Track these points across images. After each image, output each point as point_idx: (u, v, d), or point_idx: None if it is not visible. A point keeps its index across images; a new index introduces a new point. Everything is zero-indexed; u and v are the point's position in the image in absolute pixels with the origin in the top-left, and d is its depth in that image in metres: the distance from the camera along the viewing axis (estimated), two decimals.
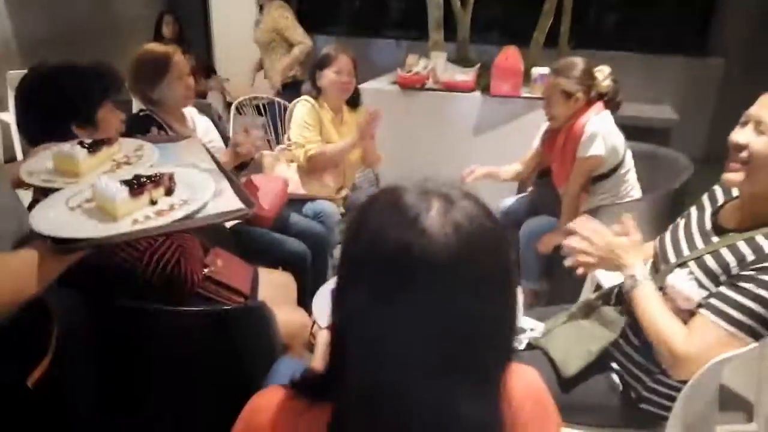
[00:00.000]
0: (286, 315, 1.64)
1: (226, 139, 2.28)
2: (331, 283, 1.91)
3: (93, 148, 1.01)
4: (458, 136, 3.00)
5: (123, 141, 1.11)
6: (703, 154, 4.42)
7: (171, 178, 0.91)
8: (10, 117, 4.06)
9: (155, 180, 0.89)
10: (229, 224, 2.10)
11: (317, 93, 2.54)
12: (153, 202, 0.87)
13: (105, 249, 1.05)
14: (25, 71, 3.82)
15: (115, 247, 1.19)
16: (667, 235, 1.42)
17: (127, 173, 0.93)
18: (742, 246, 1.17)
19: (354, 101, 2.65)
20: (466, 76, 3.03)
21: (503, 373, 0.64)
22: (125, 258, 1.23)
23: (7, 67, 4.40)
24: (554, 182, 2.40)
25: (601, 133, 2.17)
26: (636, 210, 2.35)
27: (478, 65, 3.11)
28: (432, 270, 0.58)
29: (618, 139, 2.25)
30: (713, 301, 1.16)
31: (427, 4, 3.36)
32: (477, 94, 2.96)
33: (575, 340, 1.45)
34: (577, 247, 1.40)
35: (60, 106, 1.28)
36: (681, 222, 1.42)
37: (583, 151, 2.19)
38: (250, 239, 2.10)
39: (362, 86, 3.11)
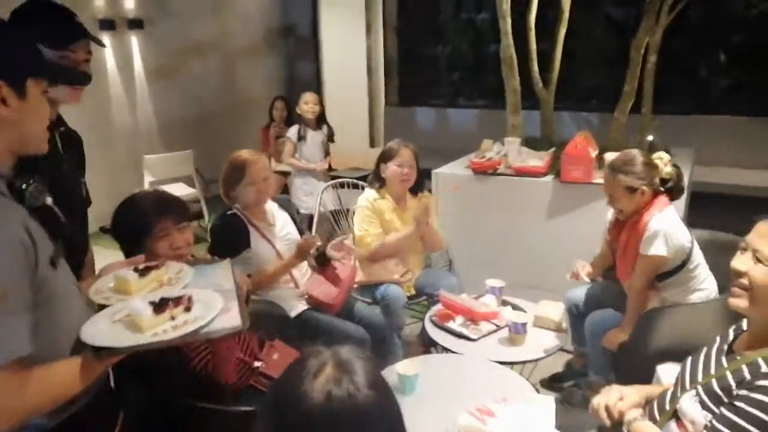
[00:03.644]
0: None
1: (300, 232, 2.55)
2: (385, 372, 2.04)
3: (143, 272, 1.28)
4: (529, 220, 3.04)
5: (170, 264, 1.36)
6: None
7: (190, 299, 1.15)
8: None
9: (176, 300, 1.13)
10: (296, 311, 2.34)
11: (380, 184, 2.76)
12: (173, 318, 1.11)
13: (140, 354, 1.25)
14: (161, 155, 4.49)
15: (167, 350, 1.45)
16: (689, 362, 1.41)
17: (163, 293, 1.18)
18: (744, 368, 1.18)
19: (415, 189, 2.83)
20: (538, 161, 3.09)
21: None
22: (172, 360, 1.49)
23: (148, 149, 5.18)
24: (618, 277, 2.37)
25: (663, 231, 2.14)
26: (710, 309, 2.26)
27: (552, 149, 3.16)
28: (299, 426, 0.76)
29: (683, 236, 2.20)
30: (714, 422, 1.18)
31: (505, 89, 3.49)
32: (548, 179, 3.00)
33: None
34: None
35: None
36: (704, 349, 1.41)
37: (645, 249, 2.17)
38: (315, 324, 2.31)
39: (437, 170, 3.29)
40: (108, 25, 4.95)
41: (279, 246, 2.37)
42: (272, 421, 0.79)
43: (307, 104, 4.21)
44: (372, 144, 7.19)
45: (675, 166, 2.30)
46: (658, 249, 2.13)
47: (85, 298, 1.20)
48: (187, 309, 1.12)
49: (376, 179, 2.80)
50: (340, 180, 3.67)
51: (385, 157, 2.76)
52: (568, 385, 2.71)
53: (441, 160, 3.49)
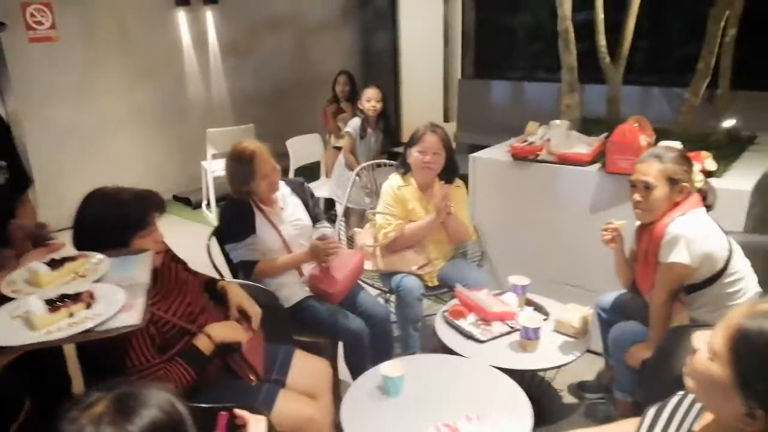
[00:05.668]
0: (299, 407, 1.76)
1: (313, 216, 2.50)
2: (370, 373, 1.96)
3: (56, 264, 1.26)
4: (569, 213, 2.76)
5: (90, 255, 1.33)
6: None
7: (91, 295, 1.14)
8: (207, 165, 4.88)
9: (75, 298, 1.12)
10: (296, 299, 2.30)
11: (406, 170, 2.62)
12: (71, 315, 1.10)
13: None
14: (222, 129, 4.62)
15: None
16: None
17: (70, 288, 1.17)
18: None
19: (449, 175, 2.64)
20: (585, 147, 2.78)
21: None
22: None
23: (221, 123, 5.34)
24: (638, 288, 2.10)
25: (685, 237, 1.85)
26: None
27: (605, 135, 2.83)
28: None
29: (714, 242, 1.88)
30: None
31: (561, 65, 3.18)
32: (593, 168, 2.69)
33: None
34: None
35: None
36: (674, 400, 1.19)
37: (664, 256, 1.90)
38: (312, 314, 2.26)
39: (475, 155, 3.08)
40: (183, 1, 5.12)
41: (285, 232, 2.33)
42: None
43: (369, 101, 4.01)
44: (446, 118, 6.97)
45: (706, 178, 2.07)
46: (678, 256, 1.85)
47: None
48: (88, 306, 1.12)
49: (402, 165, 2.66)
50: (376, 161, 3.57)
51: (411, 141, 2.61)
52: (593, 398, 2.48)
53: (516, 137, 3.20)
